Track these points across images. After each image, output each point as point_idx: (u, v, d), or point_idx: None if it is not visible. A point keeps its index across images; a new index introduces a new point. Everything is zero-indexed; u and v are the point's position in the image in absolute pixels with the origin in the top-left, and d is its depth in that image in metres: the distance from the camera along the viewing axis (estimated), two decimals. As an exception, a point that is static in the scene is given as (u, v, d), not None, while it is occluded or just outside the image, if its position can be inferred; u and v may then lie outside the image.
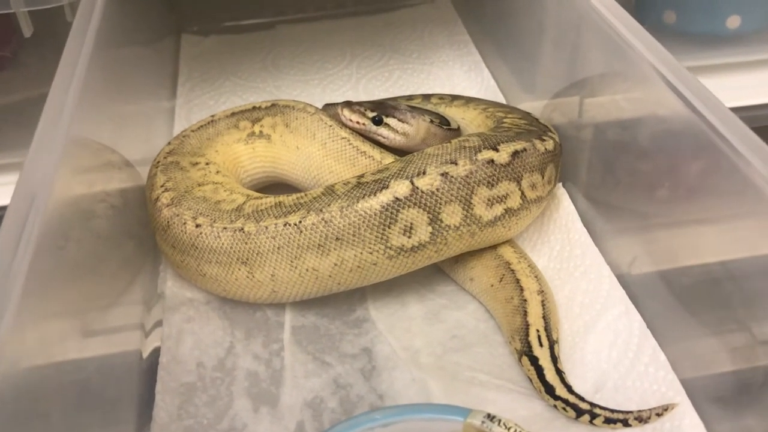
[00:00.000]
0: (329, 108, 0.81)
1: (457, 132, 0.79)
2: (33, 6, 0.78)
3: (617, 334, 0.63)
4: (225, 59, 1.08)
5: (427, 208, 0.62)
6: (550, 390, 0.58)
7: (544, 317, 0.62)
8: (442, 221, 0.62)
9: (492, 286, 0.66)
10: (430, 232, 0.62)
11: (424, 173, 0.62)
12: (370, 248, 0.62)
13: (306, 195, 0.65)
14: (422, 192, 0.61)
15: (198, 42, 1.13)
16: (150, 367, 0.65)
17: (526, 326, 0.61)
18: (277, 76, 1.04)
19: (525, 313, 0.62)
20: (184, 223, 0.66)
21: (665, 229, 0.69)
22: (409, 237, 0.62)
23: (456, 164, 0.62)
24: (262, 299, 0.67)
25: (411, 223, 0.62)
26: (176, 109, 0.98)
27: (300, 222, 0.62)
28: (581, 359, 0.62)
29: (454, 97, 0.85)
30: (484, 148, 0.64)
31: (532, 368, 0.60)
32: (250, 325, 0.68)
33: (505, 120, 0.75)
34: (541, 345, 0.60)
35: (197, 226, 0.65)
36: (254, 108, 0.79)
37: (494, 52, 1.03)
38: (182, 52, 1.11)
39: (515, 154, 0.65)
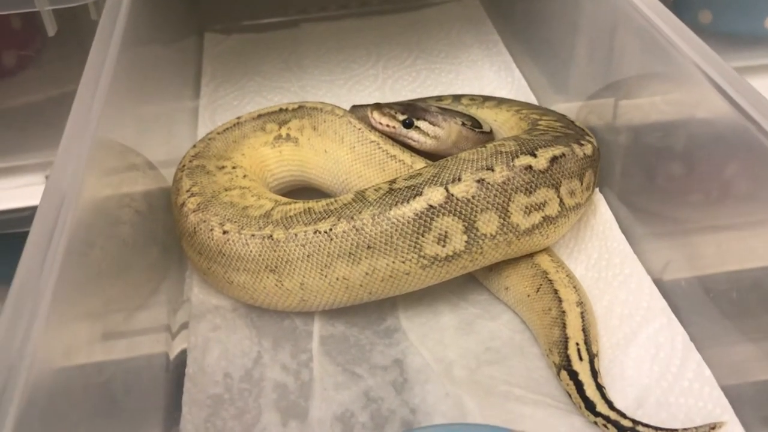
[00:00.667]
0: (358, 110, 0.79)
1: (489, 135, 0.76)
2: (57, 4, 0.76)
3: (659, 347, 0.60)
4: (248, 58, 1.07)
5: (463, 216, 0.59)
6: (590, 406, 0.56)
7: (583, 330, 0.60)
8: (477, 230, 0.60)
9: (528, 296, 0.64)
10: (466, 241, 0.60)
11: (459, 180, 0.60)
12: (402, 257, 0.60)
13: (336, 201, 0.63)
14: (457, 199, 0.59)
15: (221, 41, 1.12)
16: (177, 375, 0.63)
17: (565, 339, 0.59)
18: (301, 76, 1.02)
19: (564, 326, 0.60)
20: (211, 230, 0.64)
21: (705, 235, 0.67)
22: (444, 246, 0.60)
23: (492, 170, 0.60)
24: (291, 308, 0.65)
25: (445, 232, 0.60)
26: (200, 110, 0.97)
27: (330, 229, 0.60)
28: (621, 373, 0.59)
29: (486, 98, 0.82)
30: (521, 154, 0.62)
31: (571, 383, 0.57)
32: (278, 334, 0.66)
33: (540, 122, 0.73)
34: (580, 359, 0.58)
35: (224, 232, 0.63)
36: (281, 110, 0.77)
37: (525, 52, 1.00)
38: (205, 51, 1.09)
39: (554, 159, 0.63)
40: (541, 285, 0.63)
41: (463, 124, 0.74)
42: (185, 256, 0.70)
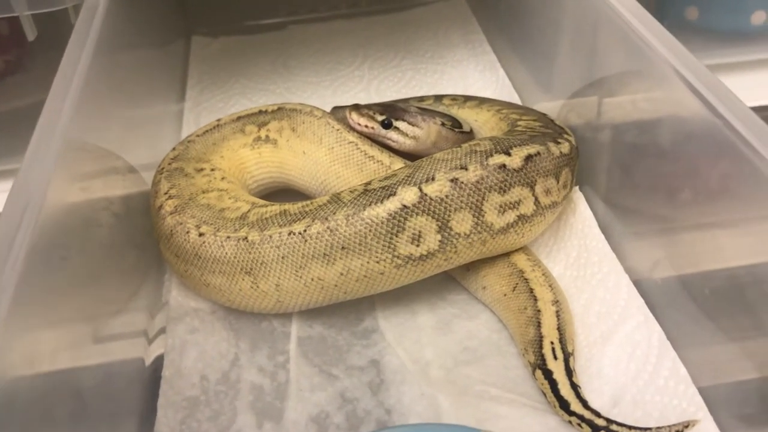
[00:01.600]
0: (338, 111, 0.79)
1: (469, 135, 0.76)
2: (36, 9, 0.77)
3: (635, 345, 0.60)
4: (235, 61, 1.07)
5: (436, 216, 0.59)
6: (564, 405, 0.56)
7: (558, 328, 0.59)
8: (451, 229, 0.60)
9: (505, 295, 0.64)
10: (439, 240, 0.60)
11: (432, 179, 0.60)
12: (377, 257, 0.60)
13: (312, 203, 0.63)
14: (431, 199, 0.59)
15: (208, 44, 1.12)
16: (153, 379, 0.63)
17: (540, 338, 0.59)
18: (287, 77, 1.03)
19: (539, 324, 0.60)
20: (188, 232, 0.64)
21: (685, 233, 0.66)
22: (418, 245, 0.60)
23: (466, 169, 0.60)
24: (267, 309, 0.65)
25: (419, 231, 0.59)
26: (185, 113, 0.97)
27: (305, 231, 0.60)
28: (598, 372, 0.59)
29: (467, 98, 0.82)
30: (495, 153, 0.62)
31: (545, 382, 0.57)
32: (256, 336, 0.66)
33: (519, 122, 0.73)
34: (555, 358, 0.58)
35: (201, 234, 0.63)
36: (260, 112, 0.77)
37: (509, 51, 1.00)
38: (192, 54, 1.09)
39: (528, 158, 0.62)
40: (517, 284, 0.63)
41: (443, 124, 0.74)
42: (163, 259, 0.70)
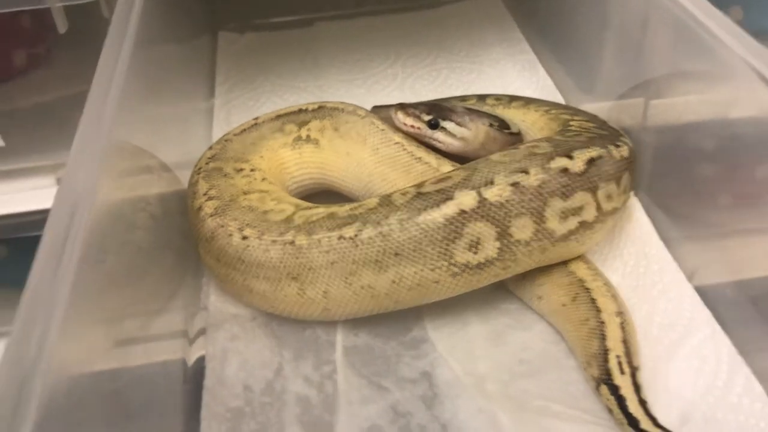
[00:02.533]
0: (379, 110, 0.76)
1: (518, 136, 0.73)
2: (68, 1, 0.74)
3: (704, 360, 0.57)
4: (263, 58, 1.04)
5: (496, 222, 0.56)
6: (633, 423, 0.53)
7: (624, 341, 0.56)
8: (511, 236, 0.57)
9: (564, 305, 0.60)
10: (498, 248, 0.57)
11: (492, 183, 0.57)
12: (432, 265, 0.57)
13: (360, 206, 0.60)
14: (490, 204, 0.56)
15: (235, 40, 1.09)
16: (193, 387, 0.60)
17: (605, 351, 0.56)
18: (318, 75, 0.99)
19: (603, 337, 0.57)
20: (230, 235, 0.61)
21: (748, 238, 0.64)
22: (475, 253, 0.57)
23: (527, 173, 0.57)
24: (313, 317, 0.62)
25: (477, 238, 0.56)
26: (215, 110, 0.94)
27: (356, 235, 0.57)
28: (665, 387, 0.56)
29: (512, 98, 0.79)
30: (557, 156, 0.59)
31: (612, 398, 0.54)
32: (300, 344, 0.63)
33: (571, 123, 0.70)
34: (622, 372, 0.55)
35: (244, 238, 0.60)
36: (300, 110, 0.74)
37: (550, 50, 0.97)
38: (219, 50, 1.07)
39: (590, 161, 0.59)
40: (577, 294, 0.60)
41: (491, 124, 0.71)
42: (202, 262, 0.67)
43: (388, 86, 0.96)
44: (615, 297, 0.59)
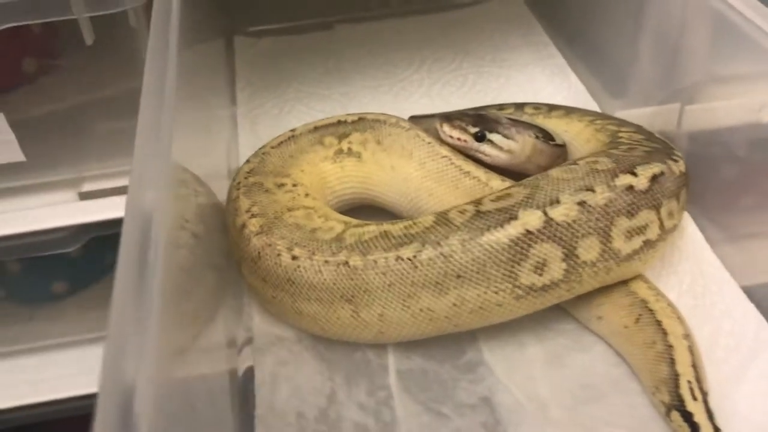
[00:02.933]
0: (420, 121, 0.74)
1: (563, 148, 0.71)
2: (95, 11, 0.70)
3: (774, 383, 0.55)
4: (283, 63, 1.01)
5: (563, 243, 0.54)
6: (709, 451, 0.51)
7: (693, 366, 0.55)
8: (578, 257, 0.55)
9: (626, 327, 0.59)
10: (564, 269, 0.55)
11: (558, 202, 0.55)
12: (495, 287, 0.55)
13: (415, 224, 0.57)
14: (557, 224, 0.54)
15: (252, 44, 1.06)
16: (242, 416, 0.58)
17: (675, 376, 0.54)
18: (342, 81, 0.97)
19: (672, 361, 0.55)
20: (278, 255, 0.58)
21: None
22: (541, 275, 0.55)
23: (593, 191, 0.55)
24: (366, 340, 0.60)
25: (543, 260, 0.54)
26: (238, 119, 0.91)
27: (415, 256, 0.55)
28: (733, 412, 0.54)
29: (551, 107, 0.77)
30: (620, 172, 0.57)
31: (685, 425, 0.52)
32: (351, 368, 0.61)
33: (620, 135, 0.68)
34: (694, 398, 0.53)
35: (294, 258, 0.58)
36: (339, 122, 0.71)
37: (579, 54, 0.95)
38: (237, 56, 1.04)
39: (654, 178, 0.58)
40: (640, 315, 0.58)
41: (537, 136, 0.69)
42: (245, 282, 0.64)
43: (414, 93, 0.94)
44: (680, 319, 0.58)
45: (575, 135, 0.72)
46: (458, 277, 0.54)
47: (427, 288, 0.55)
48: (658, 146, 0.64)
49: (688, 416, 0.52)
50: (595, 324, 0.61)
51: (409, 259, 0.55)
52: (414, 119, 0.75)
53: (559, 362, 0.60)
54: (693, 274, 0.64)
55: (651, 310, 0.58)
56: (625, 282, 0.60)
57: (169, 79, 0.55)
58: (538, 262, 0.54)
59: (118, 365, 0.35)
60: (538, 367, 0.60)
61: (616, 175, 0.56)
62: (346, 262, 0.56)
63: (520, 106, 0.78)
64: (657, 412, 0.56)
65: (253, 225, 0.61)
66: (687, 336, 0.56)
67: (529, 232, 0.54)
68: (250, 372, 0.61)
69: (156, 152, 0.49)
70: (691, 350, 0.56)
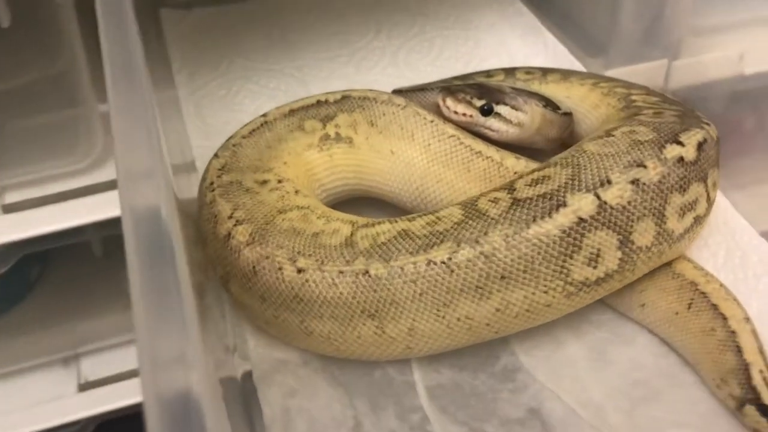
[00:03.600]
0: (407, 95, 0.65)
1: (570, 117, 0.64)
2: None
3: (842, 361, 0.51)
4: (220, 36, 0.89)
5: (618, 228, 0.47)
6: (793, 447, 0.46)
7: (761, 352, 0.49)
8: (633, 243, 0.48)
9: (677, 314, 0.53)
10: (619, 258, 0.48)
11: (609, 182, 0.47)
12: (545, 286, 0.47)
13: (441, 219, 0.49)
14: (611, 208, 0.47)
15: (181, 17, 0.93)
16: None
17: (745, 366, 0.49)
18: (293, 54, 0.86)
19: (738, 349, 0.49)
20: (280, 268, 0.49)
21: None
22: (595, 267, 0.48)
23: (645, 167, 0.48)
24: (390, 357, 0.51)
25: (598, 250, 0.47)
26: (182, 103, 0.79)
27: (449, 258, 0.46)
28: (804, 398, 0.50)
29: (546, 71, 0.70)
30: (666, 142, 0.50)
31: (763, 420, 0.47)
32: (372, 390, 0.52)
33: (633, 98, 0.62)
34: (769, 389, 0.48)
35: (299, 270, 0.48)
36: (319, 102, 0.62)
37: (551, 11, 0.88)
38: (165, 31, 0.91)
39: (699, 146, 0.51)
40: (692, 300, 0.52)
41: (545, 105, 0.62)
42: (235, 302, 0.55)
43: (379, 62, 0.84)
44: (737, 300, 0.52)
45: (579, 101, 0.65)
46: (502, 278, 0.47)
47: (466, 294, 0.47)
48: (681, 109, 0.58)
49: (766, 410, 0.47)
50: (637, 312, 0.55)
51: (443, 263, 0.46)
52: (399, 94, 0.66)
53: (604, 359, 0.54)
54: (727, 246, 0.59)
55: (703, 293, 0.52)
56: (668, 263, 0.54)
57: (136, 56, 0.44)
58: (591, 254, 0.47)
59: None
60: (582, 367, 0.53)
61: (663, 146, 0.50)
62: (366, 272, 0.47)
63: (510, 72, 0.71)
64: (723, 406, 0.50)
65: (241, 234, 0.51)
66: (748, 319, 0.51)
67: (582, 219, 0.47)
68: (255, 405, 0.51)
69: (142, 139, 0.38)
70: (755, 335, 0.50)
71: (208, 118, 0.77)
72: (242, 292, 0.52)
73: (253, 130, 0.60)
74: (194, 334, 0.33)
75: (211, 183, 0.56)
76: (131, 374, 0.79)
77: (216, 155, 0.59)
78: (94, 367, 0.83)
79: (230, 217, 0.53)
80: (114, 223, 0.66)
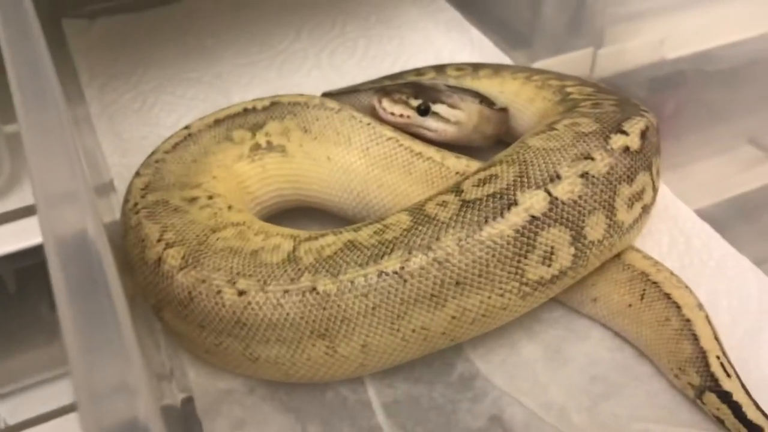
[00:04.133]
0: (338, 98, 0.62)
1: (506, 113, 0.63)
2: None
3: (793, 340, 0.51)
4: (131, 46, 0.84)
5: (570, 224, 0.46)
6: (757, 431, 0.46)
7: (716, 338, 0.49)
8: (585, 237, 0.47)
9: (630, 305, 0.52)
10: (573, 255, 0.47)
11: (558, 177, 0.46)
12: (500, 289, 0.46)
13: (388, 227, 0.47)
14: (562, 203, 0.46)
15: (85, 27, 0.87)
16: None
17: (702, 354, 0.48)
18: (210, 60, 0.82)
19: (694, 337, 0.49)
20: (218, 292, 0.45)
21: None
22: (549, 265, 0.46)
23: (592, 159, 0.47)
24: (343, 377, 0.48)
25: (551, 247, 0.46)
26: (93, 120, 0.74)
27: (402, 268, 0.44)
28: (762, 380, 0.50)
29: (476, 66, 0.68)
30: (611, 132, 0.49)
31: (724, 406, 0.47)
32: (325, 413, 0.49)
33: (568, 90, 0.61)
34: (728, 375, 0.47)
35: (240, 293, 0.45)
36: (246, 111, 0.58)
37: (472, 6, 0.87)
38: (70, 43, 0.85)
39: (643, 135, 0.51)
40: (644, 290, 0.52)
41: (481, 102, 0.60)
42: (171, 332, 0.50)
43: (303, 65, 0.81)
44: (688, 288, 0.52)
45: (514, 95, 0.64)
46: (457, 284, 0.45)
47: (421, 304, 0.45)
48: (618, 97, 0.58)
49: (726, 396, 0.47)
50: (590, 307, 0.54)
51: (396, 273, 0.44)
52: (330, 97, 0.63)
53: (560, 357, 0.53)
54: (670, 233, 0.59)
55: (655, 283, 0.51)
56: (617, 255, 0.53)
57: (46, 69, 0.39)
58: (545, 252, 0.46)
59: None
60: (540, 368, 0.52)
61: (608, 137, 0.49)
62: (314, 288, 0.44)
63: (440, 69, 0.69)
64: (683, 396, 0.50)
65: (173, 258, 0.47)
66: (701, 306, 0.51)
67: (534, 217, 0.45)
68: (200, 444, 0.48)
69: (62, 159, 0.34)
70: (709, 321, 0.50)
71: (123, 134, 0.72)
72: (178, 320, 0.48)
73: (177, 144, 0.56)
74: (136, 358, 0.30)
75: (135, 204, 0.52)
76: (60, 412, 0.73)
77: (138, 173, 0.55)
78: (15, 408, 0.77)
79: (159, 240, 0.49)
80: (28, 254, 0.61)
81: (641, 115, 0.53)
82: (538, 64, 0.78)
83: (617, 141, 0.49)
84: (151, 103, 0.76)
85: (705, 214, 0.60)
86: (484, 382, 0.51)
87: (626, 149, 0.49)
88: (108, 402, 0.27)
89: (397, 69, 0.77)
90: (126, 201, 0.53)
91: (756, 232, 0.65)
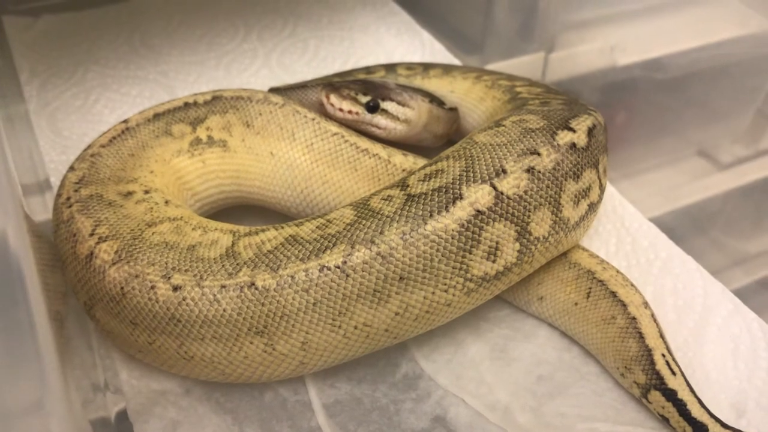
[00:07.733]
0: (285, 94, 0.61)
1: (456, 112, 0.62)
2: None
3: (736, 340, 0.51)
4: (74, 44, 0.82)
5: (515, 219, 0.45)
6: (700, 429, 0.45)
7: (662, 336, 0.49)
8: (530, 233, 0.46)
9: (576, 304, 0.51)
10: (518, 250, 0.46)
11: (504, 172, 0.45)
12: (444, 284, 0.44)
13: (331, 222, 0.45)
14: (508, 198, 0.45)
15: (28, 25, 0.85)
16: None
17: (648, 352, 0.48)
18: (156, 59, 0.80)
19: (640, 336, 0.48)
20: (152, 287, 0.43)
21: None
22: (494, 261, 0.45)
23: (539, 155, 0.47)
24: (282, 376, 0.47)
25: (496, 242, 0.45)
26: (32, 118, 0.71)
27: (344, 262, 0.43)
28: (705, 378, 0.50)
29: (427, 66, 0.68)
30: (558, 129, 0.49)
31: (668, 404, 0.46)
32: (263, 414, 0.47)
33: (517, 89, 0.60)
34: (673, 373, 0.47)
35: (175, 288, 0.43)
36: (187, 105, 0.56)
37: (424, 10, 0.87)
38: (11, 40, 0.82)
39: (590, 132, 0.50)
40: (590, 289, 0.51)
41: (431, 101, 0.59)
42: (98, 328, 0.48)
43: (251, 65, 0.80)
44: (634, 286, 0.51)
45: (464, 95, 0.64)
46: (401, 279, 0.43)
47: (363, 299, 0.43)
48: (566, 97, 0.58)
49: (671, 394, 0.46)
50: (536, 306, 0.53)
51: (338, 267, 0.43)
52: (276, 92, 0.62)
53: (506, 357, 0.52)
54: (619, 233, 0.59)
55: (601, 281, 0.51)
56: (563, 253, 0.53)
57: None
58: (490, 247, 0.45)
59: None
60: (485, 368, 0.51)
61: (555, 133, 0.48)
62: (252, 284, 0.43)
63: (390, 68, 0.68)
64: (628, 396, 0.49)
65: (106, 252, 0.45)
66: (646, 304, 0.50)
67: (479, 212, 0.44)
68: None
69: None
70: (655, 319, 0.50)
71: (63, 131, 0.70)
72: (110, 318, 0.46)
73: (113, 138, 0.54)
74: (53, 376, 0.28)
75: (68, 198, 0.50)
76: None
77: (72, 168, 0.53)
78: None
79: (92, 235, 0.46)
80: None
81: (589, 113, 0.53)
82: (490, 68, 0.78)
83: (564, 137, 0.48)
84: (93, 101, 0.74)
85: (659, 223, 0.60)
86: (428, 382, 0.50)
87: (573, 146, 0.48)
88: (21, 422, 0.26)
89: (347, 69, 0.76)
90: (59, 195, 0.51)
91: (709, 241, 0.65)
